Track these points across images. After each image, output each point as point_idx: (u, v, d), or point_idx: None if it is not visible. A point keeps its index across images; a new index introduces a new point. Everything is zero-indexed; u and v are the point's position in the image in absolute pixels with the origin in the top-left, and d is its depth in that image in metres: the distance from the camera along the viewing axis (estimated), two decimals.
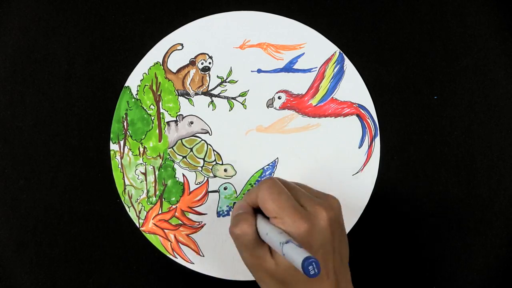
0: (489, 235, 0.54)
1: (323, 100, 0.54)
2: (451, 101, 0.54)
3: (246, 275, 0.52)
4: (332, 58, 0.54)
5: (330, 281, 0.43)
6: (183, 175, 0.53)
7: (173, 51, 0.53)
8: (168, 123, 0.53)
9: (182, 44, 0.53)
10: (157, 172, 0.53)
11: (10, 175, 0.53)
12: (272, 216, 0.44)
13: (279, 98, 0.53)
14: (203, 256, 0.53)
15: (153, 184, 0.53)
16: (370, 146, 0.54)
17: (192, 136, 0.53)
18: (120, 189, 0.53)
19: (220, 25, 0.53)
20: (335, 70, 0.54)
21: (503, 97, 0.54)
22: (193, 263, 0.53)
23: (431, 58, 0.54)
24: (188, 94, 0.53)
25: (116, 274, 0.53)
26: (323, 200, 0.45)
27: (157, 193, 0.53)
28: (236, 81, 0.53)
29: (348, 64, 0.54)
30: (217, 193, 0.53)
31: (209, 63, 0.53)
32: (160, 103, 0.53)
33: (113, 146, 0.53)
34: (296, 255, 0.38)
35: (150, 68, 0.53)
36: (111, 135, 0.53)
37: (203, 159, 0.53)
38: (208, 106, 0.53)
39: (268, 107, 0.53)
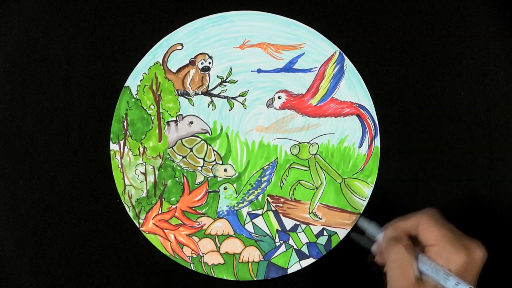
0: (489, 235, 0.54)
1: (323, 100, 0.54)
2: (451, 101, 0.54)
3: (245, 275, 0.53)
4: (332, 58, 0.54)
5: None
6: (183, 175, 0.53)
7: (173, 51, 0.53)
8: (168, 123, 0.53)
9: (182, 44, 0.53)
10: (157, 172, 0.53)
11: (10, 175, 0.53)
12: (431, 244, 0.43)
13: (279, 98, 0.53)
14: (203, 256, 0.53)
15: (153, 184, 0.53)
16: (370, 146, 0.54)
17: (192, 136, 0.53)
18: (120, 189, 0.53)
19: (220, 25, 0.53)
20: (335, 70, 0.54)
21: (503, 97, 0.54)
22: (193, 263, 0.53)
23: (431, 58, 0.54)
24: (188, 94, 0.53)
25: (116, 274, 0.53)
26: (476, 241, 0.44)
27: (157, 193, 0.53)
28: (236, 81, 0.53)
29: (348, 64, 0.54)
30: (217, 193, 0.53)
31: (209, 63, 0.53)
32: (160, 103, 0.53)
33: (113, 146, 0.53)
34: None
35: (150, 68, 0.53)
36: (111, 135, 0.53)
37: (203, 159, 0.53)
38: (208, 106, 0.53)
39: (268, 107, 0.53)
